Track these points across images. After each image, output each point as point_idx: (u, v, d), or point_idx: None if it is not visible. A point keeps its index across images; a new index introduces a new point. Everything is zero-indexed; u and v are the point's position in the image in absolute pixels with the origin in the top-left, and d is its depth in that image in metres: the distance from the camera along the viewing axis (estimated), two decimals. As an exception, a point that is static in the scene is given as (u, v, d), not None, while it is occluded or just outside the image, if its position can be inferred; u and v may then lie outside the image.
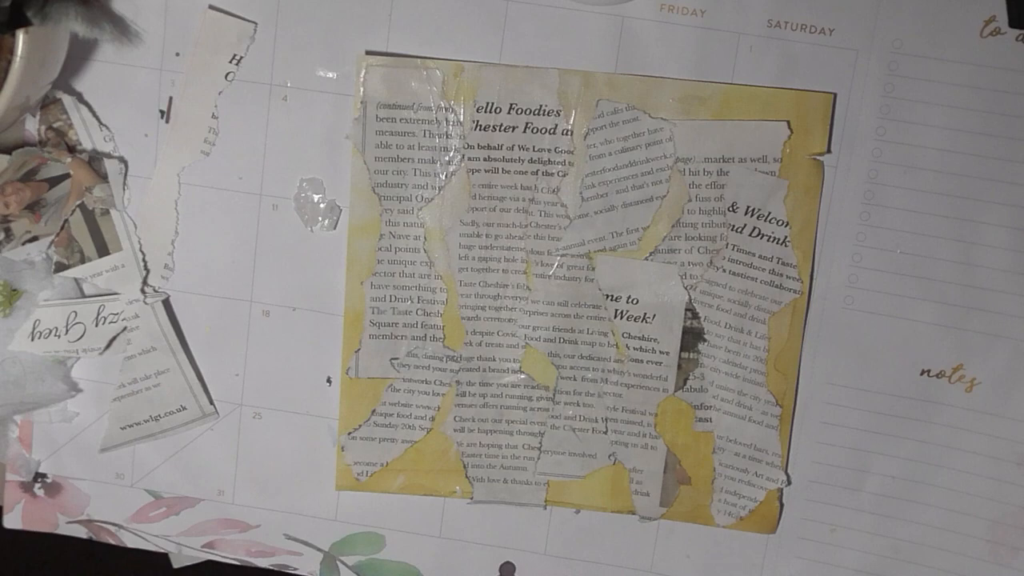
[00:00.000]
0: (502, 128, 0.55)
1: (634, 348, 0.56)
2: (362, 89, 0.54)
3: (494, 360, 0.57)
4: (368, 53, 0.54)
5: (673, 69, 0.54)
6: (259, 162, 0.56)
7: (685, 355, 0.56)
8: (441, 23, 0.54)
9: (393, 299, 0.56)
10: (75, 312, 0.57)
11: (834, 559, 0.57)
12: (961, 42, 0.53)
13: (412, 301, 0.56)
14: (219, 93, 0.56)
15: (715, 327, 0.56)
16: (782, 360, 0.56)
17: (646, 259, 0.55)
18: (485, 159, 0.55)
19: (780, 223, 0.54)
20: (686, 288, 0.55)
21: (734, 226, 0.55)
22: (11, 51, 0.49)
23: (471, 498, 0.58)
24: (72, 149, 0.56)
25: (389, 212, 0.55)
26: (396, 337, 0.57)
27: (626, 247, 0.55)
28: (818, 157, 0.54)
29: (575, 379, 0.57)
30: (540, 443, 0.57)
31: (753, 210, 0.54)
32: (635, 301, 0.56)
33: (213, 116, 0.56)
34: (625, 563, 0.59)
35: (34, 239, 0.56)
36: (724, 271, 0.55)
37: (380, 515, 0.59)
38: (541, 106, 0.54)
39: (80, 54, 0.56)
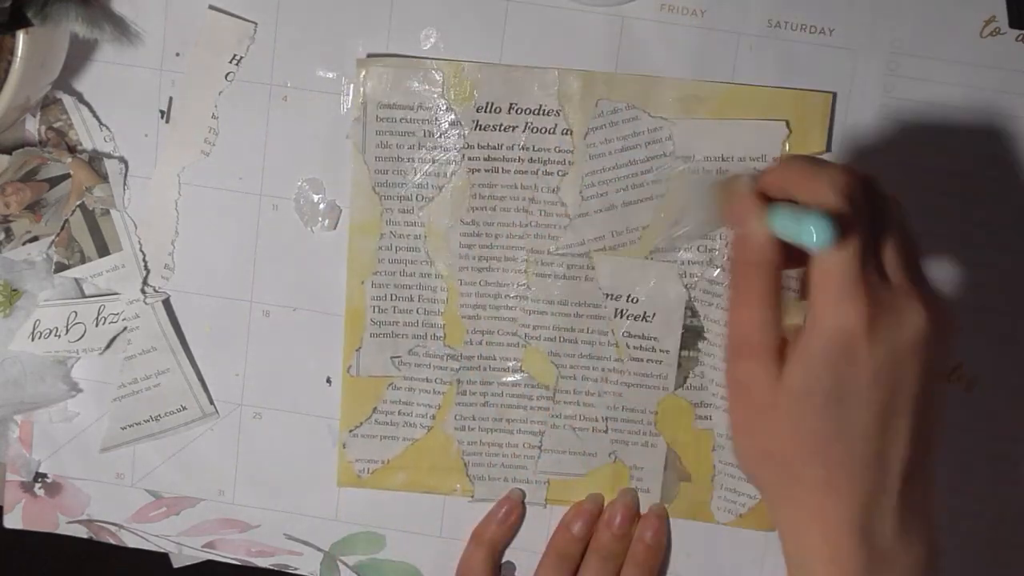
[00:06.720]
0: (502, 128, 0.55)
1: (634, 347, 0.56)
2: (362, 89, 0.54)
3: (495, 359, 0.57)
4: (368, 54, 0.54)
5: (673, 69, 0.54)
6: (259, 162, 0.56)
7: (685, 353, 0.56)
8: (441, 23, 0.54)
9: (394, 298, 0.56)
10: (75, 312, 0.57)
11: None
12: (961, 42, 0.53)
13: (413, 300, 0.56)
14: (219, 93, 0.56)
15: (715, 325, 0.56)
16: (782, 359, 0.56)
17: (646, 258, 0.55)
18: (485, 159, 0.55)
19: (780, 223, 0.54)
20: (686, 287, 0.55)
21: (734, 226, 0.55)
22: (11, 52, 0.49)
23: (472, 496, 0.58)
24: (72, 149, 0.56)
25: (390, 211, 0.55)
26: (397, 335, 0.57)
27: (626, 246, 0.55)
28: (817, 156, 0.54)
29: (575, 378, 0.57)
30: (540, 442, 0.57)
31: (753, 210, 0.54)
32: (635, 300, 0.56)
33: (213, 116, 0.56)
34: (625, 561, 0.59)
35: (34, 239, 0.56)
36: (724, 270, 0.55)
37: (380, 515, 0.59)
38: (541, 106, 0.54)
39: (80, 54, 0.55)
